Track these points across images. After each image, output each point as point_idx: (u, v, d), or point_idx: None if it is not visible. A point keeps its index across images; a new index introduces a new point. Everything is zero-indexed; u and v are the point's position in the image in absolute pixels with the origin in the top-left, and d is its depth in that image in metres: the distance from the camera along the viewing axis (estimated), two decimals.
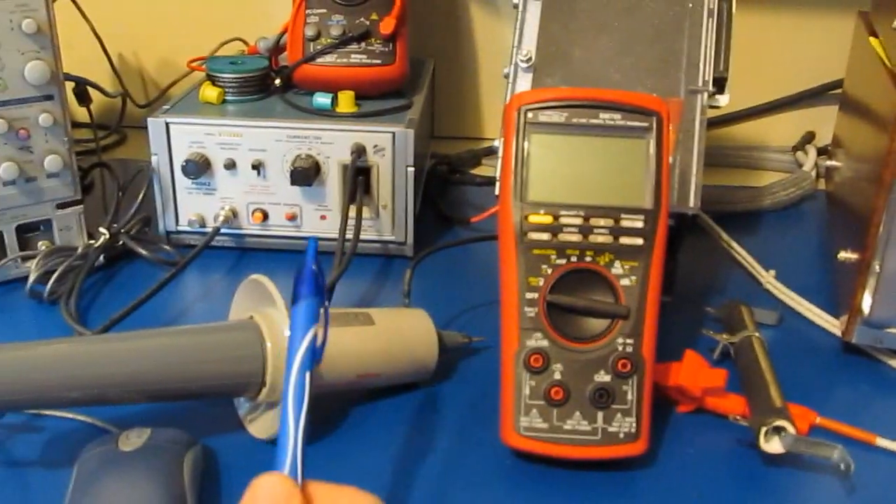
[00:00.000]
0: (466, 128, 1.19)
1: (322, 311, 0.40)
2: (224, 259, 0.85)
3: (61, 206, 0.78)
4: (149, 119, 0.82)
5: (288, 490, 0.37)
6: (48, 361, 0.53)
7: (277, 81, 0.89)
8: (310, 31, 0.86)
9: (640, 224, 0.57)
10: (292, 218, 0.84)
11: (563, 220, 0.57)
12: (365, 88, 0.86)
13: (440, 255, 0.81)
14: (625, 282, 0.57)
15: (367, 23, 0.86)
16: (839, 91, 1.05)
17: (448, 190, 1.03)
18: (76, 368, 0.53)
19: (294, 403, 0.39)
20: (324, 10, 0.86)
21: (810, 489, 0.57)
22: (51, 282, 0.75)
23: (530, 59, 0.71)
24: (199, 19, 1.15)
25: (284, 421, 0.39)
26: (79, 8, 1.06)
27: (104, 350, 0.54)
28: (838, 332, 0.72)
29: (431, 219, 0.95)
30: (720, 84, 0.71)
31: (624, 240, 0.57)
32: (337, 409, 0.63)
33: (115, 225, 0.81)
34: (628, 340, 0.57)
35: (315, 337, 0.40)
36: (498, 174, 0.60)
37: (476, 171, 1.08)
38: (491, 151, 1.09)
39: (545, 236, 0.57)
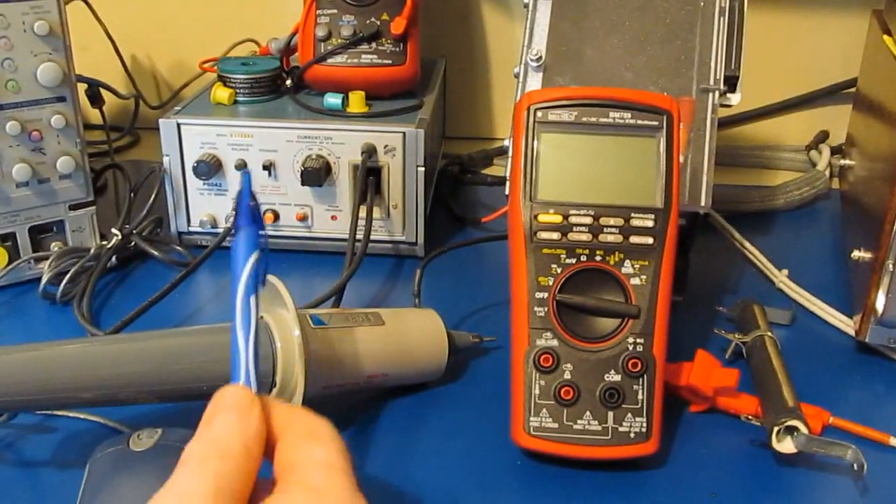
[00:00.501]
0: (478, 128, 1.19)
1: (262, 239, 0.43)
2: None
3: (74, 207, 0.79)
4: (160, 120, 0.82)
5: (249, 397, 0.41)
6: (60, 362, 0.53)
7: (288, 82, 0.89)
8: (321, 32, 0.86)
9: (650, 223, 0.57)
10: (303, 218, 0.84)
11: (573, 220, 0.57)
12: (376, 89, 0.86)
13: (451, 255, 0.81)
14: (635, 281, 0.57)
15: (378, 23, 0.86)
16: (853, 90, 1.04)
17: (460, 190, 1.03)
18: (88, 369, 0.53)
19: (242, 326, 0.42)
20: (335, 11, 0.86)
21: (823, 489, 0.56)
22: (63, 283, 0.75)
23: (540, 58, 0.71)
24: (211, 21, 1.15)
25: (235, 343, 0.42)
26: (92, 10, 1.06)
27: (116, 351, 0.54)
28: (852, 332, 0.72)
29: (443, 219, 0.95)
30: (732, 83, 0.71)
31: (634, 239, 0.57)
32: (347, 409, 0.63)
33: (127, 226, 0.82)
34: (639, 340, 0.57)
35: (258, 263, 0.43)
36: (508, 174, 0.60)
37: (488, 171, 1.08)
38: (503, 151, 1.09)
39: (555, 236, 0.57)
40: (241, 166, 0.82)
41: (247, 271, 0.43)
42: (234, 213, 0.44)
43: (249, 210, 0.43)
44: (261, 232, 0.43)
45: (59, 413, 0.61)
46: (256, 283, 0.43)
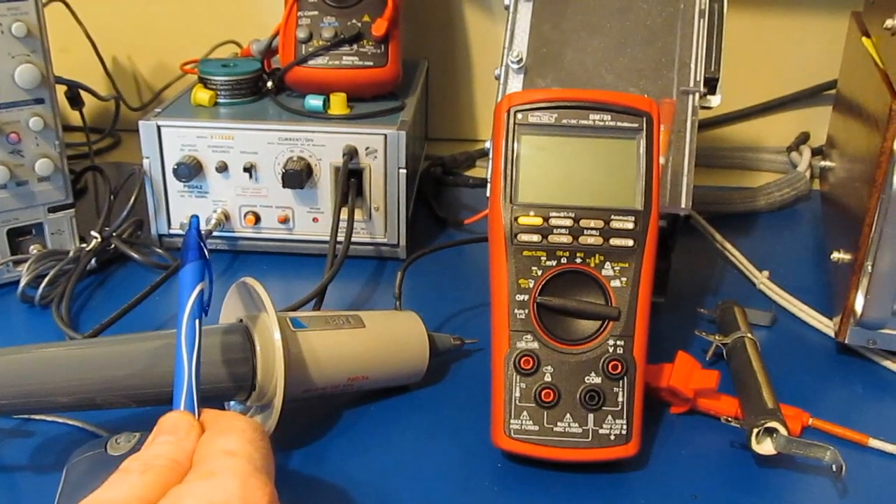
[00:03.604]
0: (461, 129, 1.19)
1: (205, 271, 0.49)
2: (217, 262, 0.85)
3: (53, 209, 0.78)
4: (140, 122, 0.82)
5: (188, 421, 0.45)
6: (37, 366, 0.53)
7: (270, 84, 0.89)
8: (302, 34, 0.86)
9: (630, 225, 0.57)
10: (285, 220, 0.84)
11: (554, 222, 0.57)
12: (357, 90, 0.86)
13: (433, 257, 0.81)
14: (615, 283, 0.57)
15: (360, 24, 0.86)
16: (833, 91, 1.05)
17: (442, 192, 1.03)
18: (65, 373, 0.53)
19: (187, 348, 0.47)
20: (316, 13, 0.86)
21: (802, 490, 0.57)
22: (42, 286, 0.75)
23: (521, 60, 0.71)
24: (192, 22, 1.15)
25: (180, 364, 0.47)
26: (72, 12, 1.06)
27: (93, 354, 0.54)
28: (832, 333, 0.72)
29: (426, 221, 0.95)
30: (712, 85, 0.71)
31: (614, 241, 0.57)
32: (328, 412, 0.63)
33: (107, 228, 0.81)
34: (619, 342, 0.57)
35: (203, 292, 0.49)
36: (489, 176, 0.60)
37: (470, 173, 1.08)
38: (485, 153, 1.09)
39: (535, 238, 0.57)
40: (222, 168, 0.82)
41: (193, 297, 0.48)
42: (182, 247, 0.50)
43: (198, 245, 0.49)
44: (206, 264, 0.49)
45: (37, 417, 0.60)
46: (201, 308, 0.48)
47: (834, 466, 0.56)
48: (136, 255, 0.82)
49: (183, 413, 0.46)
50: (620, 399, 0.56)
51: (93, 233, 0.80)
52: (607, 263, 0.57)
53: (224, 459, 0.42)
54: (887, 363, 0.70)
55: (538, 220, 0.57)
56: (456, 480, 0.57)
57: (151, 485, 0.41)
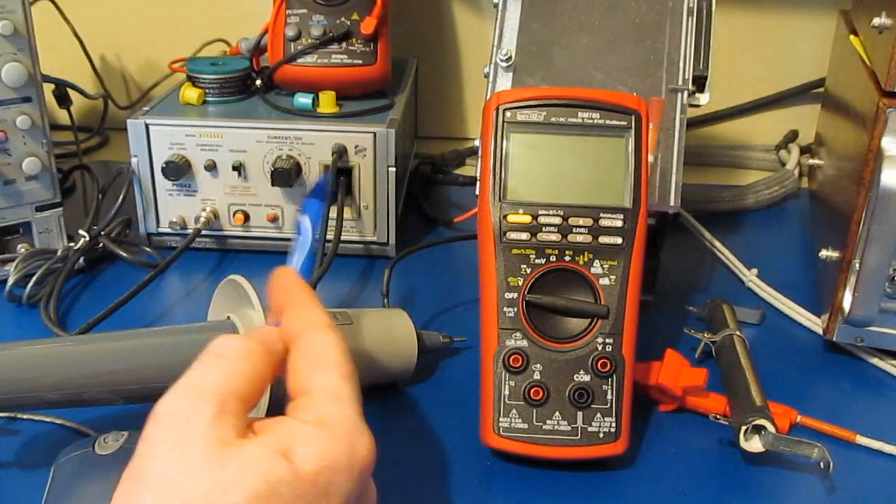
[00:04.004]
0: (451, 127, 1.18)
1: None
2: (205, 261, 0.84)
3: (40, 208, 0.78)
4: (128, 121, 0.81)
5: (277, 333, 0.45)
6: (23, 362, 0.52)
7: (258, 82, 0.89)
8: (290, 32, 0.85)
9: (619, 223, 0.57)
10: (274, 219, 0.84)
11: (542, 220, 0.57)
12: (346, 89, 0.86)
13: (422, 255, 0.81)
14: (604, 281, 0.57)
15: (348, 23, 0.86)
16: (821, 90, 1.05)
17: (432, 190, 1.03)
18: (52, 369, 0.52)
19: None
20: (304, 11, 0.86)
21: (790, 488, 0.57)
22: (30, 285, 0.75)
23: (510, 58, 0.71)
24: (181, 21, 1.14)
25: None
26: (59, 10, 1.05)
27: (80, 351, 0.54)
28: (820, 331, 0.72)
29: (415, 219, 0.95)
30: (700, 83, 0.71)
31: (603, 239, 0.57)
32: None
33: (95, 227, 0.81)
34: (608, 340, 0.57)
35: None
36: (478, 174, 0.60)
37: (460, 171, 1.08)
38: (475, 151, 1.09)
39: (524, 236, 0.57)
40: (211, 167, 0.82)
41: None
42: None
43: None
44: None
45: (23, 416, 0.60)
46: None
47: (822, 464, 0.56)
48: (124, 254, 0.81)
49: (271, 327, 0.47)
50: (609, 397, 0.57)
51: (81, 232, 0.80)
52: (596, 261, 0.57)
53: (332, 404, 0.41)
54: (875, 360, 0.70)
55: (527, 219, 0.57)
56: (445, 478, 0.57)
57: (247, 376, 0.41)
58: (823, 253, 0.70)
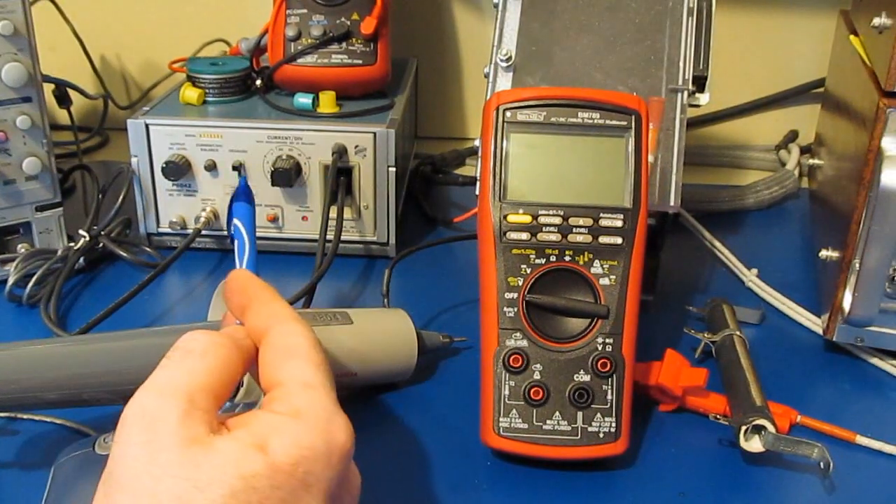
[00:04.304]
0: (451, 128, 1.18)
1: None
2: (206, 261, 0.84)
3: (41, 208, 0.78)
4: (128, 121, 0.81)
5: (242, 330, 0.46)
6: (23, 362, 0.52)
7: (258, 82, 0.89)
8: (290, 32, 0.85)
9: (619, 223, 0.57)
10: (273, 219, 0.84)
11: (542, 220, 0.57)
12: (346, 89, 0.86)
13: (422, 255, 0.81)
14: (604, 281, 0.57)
15: (348, 23, 0.86)
16: (821, 90, 1.05)
17: (432, 190, 1.03)
18: (52, 369, 0.52)
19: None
20: (304, 11, 0.86)
21: (790, 488, 0.57)
22: (30, 285, 0.75)
23: (510, 58, 0.71)
24: (181, 21, 1.14)
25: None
26: (59, 10, 1.05)
27: (80, 351, 0.54)
28: (820, 331, 0.72)
29: (416, 219, 0.95)
30: (700, 83, 0.71)
31: (603, 239, 0.57)
32: None
33: (95, 227, 0.81)
34: (608, 340, 0.57)
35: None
36: (478, 174, 0.60)
37: (460, 171, 1.08)
38: (475, 151, 1.09)
39: (524, 236, 0.57)
40: (211, 167, 0.82)
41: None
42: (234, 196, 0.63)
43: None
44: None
45: (23, 416, 0.60)
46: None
47: (821, 464, 0.56)
48: (124, 254, 0.82)
49: (237, 326, 0.47)
50: (609, 397, 0.57)
51: (81, 231, 0.80)
52: (596, 261, 0.57)
53: (304, 394, 0.41)
54: (875, 360, 0.70)
55: (527, 219, 0.57)
56: (445, 479, 0.57)
57: (215, 370, 0.41)
58: (823, 253, 0.70)
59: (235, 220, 0.57)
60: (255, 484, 0.36)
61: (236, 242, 0.56)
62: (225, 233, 0.85)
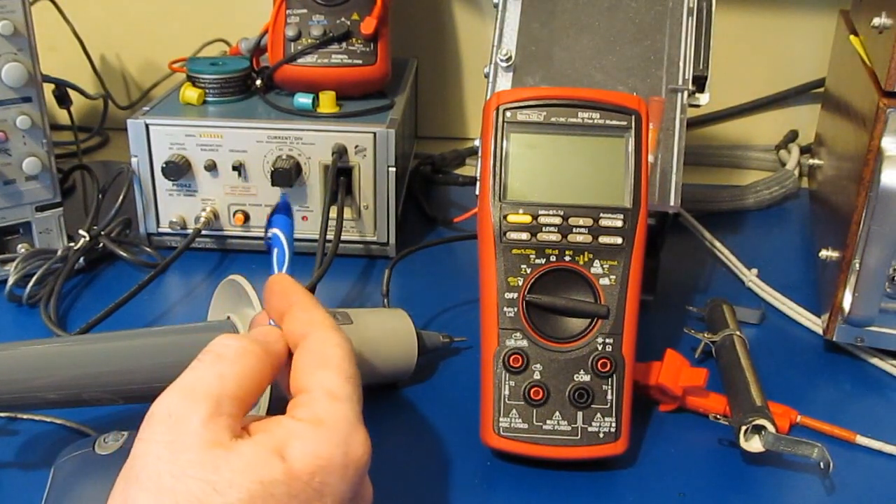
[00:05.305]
0: (451, 127, 1.18)
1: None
2: (205, 261, 0.84)
3: (41, 208, 0.78)
4: (128, 121, 0.81)
5: (277, 333, 0.47)
6: (23, 362, 0.52)
7: (258, 82, 0.89)
8: (290, 32, 0.85)
9: (619, 223, 0.57)
10: None
11: (542, 220, 0.57)
12: (346, 89, 0.86)
13: (422, 255, 0.81)
14: (604, 281, 0.57)
15: (348, 23, 0.86)
16: (821, 90, 1.05)
17: (432, 190, 1.03)
18: (52, 369, 0.52)
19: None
20: (304, 11, 0.86)
21: (790, 488, 0.57)
22: (30, 285, 0.75)
23: (510, 58, 0.71)
24: (181, 21, 1.14)
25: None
26: (59, 10, 1.05)
27: (80, 351, 0.54)
28: (820, 331, 0.72)
29: (416, 219, 0.95)
30: (700, 83, 0.71)
31: (603, 239, 0.57)
32: None
33: (95, 227, 0.81)
34: (608, 340, 0.57)
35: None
36: (478, 174, 0.60)
37: (460, 171, 1.08)
38: (475, 151, 1.09)
39: (524, 236, 0.57)
40: (211, 167, 0.82)
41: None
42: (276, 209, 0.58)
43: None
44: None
45: (23, 416, 0.60)
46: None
47: (821, 464, 0.56)
48: (124, 254, 0.82)
49: (272, 328, 0.47)
50: (609, 397, 0.57)
51: (81, 232, 0.80)
52: (596, 261, 0.57)
53: (329, 404, 0.41)
54: (875, 360, 0.70)
55: (527, 219, 0.57)
56: (445, 478, 0.57)
57: (244, 376, 0.41)
58: (823, 253, 0.70)
59: (276, 230, 0.57)
60: (273, 490, 0.37)
61: (275, 251, 0.56)
62: (225, 232, 0.85)
